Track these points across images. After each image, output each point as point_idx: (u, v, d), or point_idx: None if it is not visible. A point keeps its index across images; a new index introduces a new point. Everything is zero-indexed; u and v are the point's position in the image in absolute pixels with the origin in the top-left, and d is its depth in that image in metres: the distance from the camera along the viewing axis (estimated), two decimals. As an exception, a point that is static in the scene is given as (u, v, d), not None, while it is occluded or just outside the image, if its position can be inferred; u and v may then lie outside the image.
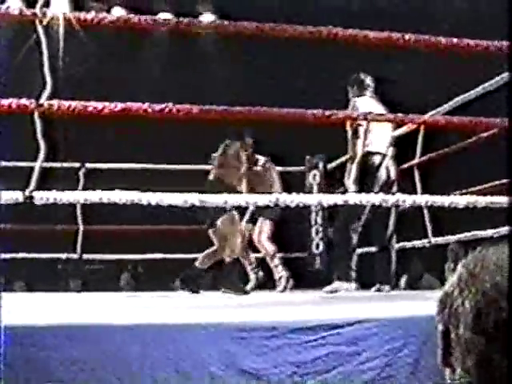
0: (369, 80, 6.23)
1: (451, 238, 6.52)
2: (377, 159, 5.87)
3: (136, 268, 11.13)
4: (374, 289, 5.88)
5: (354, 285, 5.70)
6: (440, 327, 1.33)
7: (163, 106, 3.19)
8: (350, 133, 5.89)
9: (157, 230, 8.69)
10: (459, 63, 3.70)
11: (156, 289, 7.94)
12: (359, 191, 5.24)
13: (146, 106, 3.16)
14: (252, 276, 7.41)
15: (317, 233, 8.36)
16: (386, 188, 5.79)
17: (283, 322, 2.66)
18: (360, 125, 5.77)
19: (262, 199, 3.04)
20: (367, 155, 5.86)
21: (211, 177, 6.69)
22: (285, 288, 7.13)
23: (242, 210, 6.94)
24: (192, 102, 3.36)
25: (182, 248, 8.27)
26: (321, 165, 8.34)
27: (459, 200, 3.37)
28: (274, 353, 2.57)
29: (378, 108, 5.89)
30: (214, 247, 6.85)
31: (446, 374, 1.33)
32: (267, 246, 7.41)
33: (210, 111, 3.25)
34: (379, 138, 5.90)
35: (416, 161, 6.70)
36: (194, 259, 8.20)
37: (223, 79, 11.80)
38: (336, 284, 5.67)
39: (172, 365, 2.48)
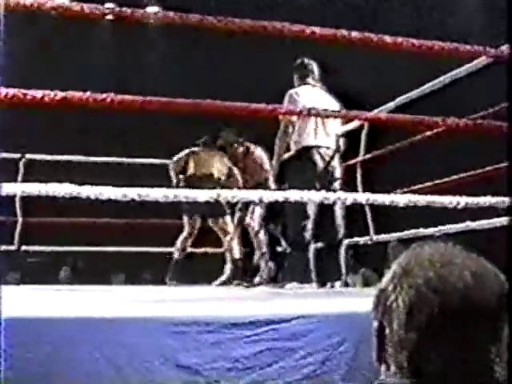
0: (313, 66, 6.09)
1: (392, 236, 6.57)
2: (316, 154, 5.77)
3: (76, 261, 11.02)
4: (327, 286, 5.84)
5: (314, 284, 5.71)
6: (375, 324, 1.35)
7: (104, 95, 3.16)
8: (281, 127, 5.77)
9: (99, 223, 8.61)
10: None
11: (96, 282, 7.86)
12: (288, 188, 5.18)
13: (86, 95, 3.12)
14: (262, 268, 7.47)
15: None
16: (330, 184, 5.72)
17: (220, 317, 2.66)
18: (291, 120, 5.70)
19: (203, 195, 3.02)
20: (304, 150, 5.77)
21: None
22: (263, 281, 7.19)
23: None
24: (134, 93, 3.34)
25: (122, 241, 8.26)
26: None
27: (400, 199, 3.40)
28: (210, 348, 2.57)
29: (321, 98, 5.80)
30: (184, 234, 7.03)
31: (381, 370, 1.34)
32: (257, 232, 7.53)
33: (152, 102, 3.22)
34: (319, 131, 5.79)
35: (359, 158, 6.74)
36: (137, 253, 8.23)
37: (165, 71, 11.75)
38: (296, 284, 5.66)
39: (106, 359, 2.46)
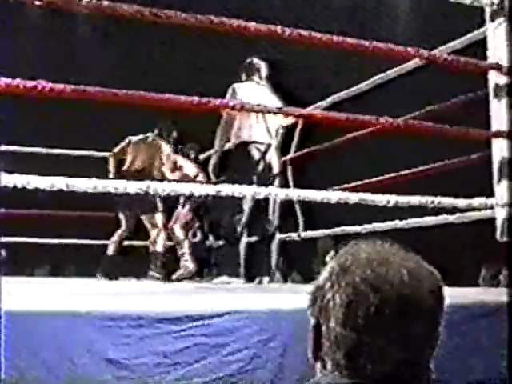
0: (260, 65, 6.17)
1: (320, 233, 6.63)
2: (254, 149, 5.81)
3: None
4: (256, 281, 5.85)
5: (242, 280, 5.72)
6: (311, 321, 1.34)
7: (34, 83, 3.08)
8: (223, 120, 5.84)
9: (25, 213, 8.47)
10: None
11: (19, 274, 7.72)
12: (225, 182, 5.21)
13: (16, 82, 3.04)
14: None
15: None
16: (268, 179, 5.74)
17: (150, 312, 2.63)
18: (232, 114, 5.73)
19: (133, 186, 2.98)
20: (242, 145, 5.81)
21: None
22: (181, 277, 7.19)
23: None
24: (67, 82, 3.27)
25: (46, 232, 8.14)
26: (192, 155, 8.31)
27: (331, 195, 3.42)
28: (139, 343, 2.54)
29: (263, 95, 5.85)
30: (119, 232, 7.00)
31: (316, 367, 1.34)
32: (177, 233, 7.60)
33: (84, 92, 3.15)
34: (259, 127, 5.84)
35: (290, 155, 6.78)
36: (63, 245, 8.12)
37: (100, 61, 11.62)
38: (225, 278, 5.68)
39: (31, 352, 2.41)
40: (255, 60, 6.17)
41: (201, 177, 7.60)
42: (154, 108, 3.25)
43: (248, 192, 3.33)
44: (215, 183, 5.68)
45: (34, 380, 2.40)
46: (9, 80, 3.05)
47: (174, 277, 7.27)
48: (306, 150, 6.85)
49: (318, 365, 1.34)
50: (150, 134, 7.52)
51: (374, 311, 1.24)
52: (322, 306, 1.32)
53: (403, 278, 1.26)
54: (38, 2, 3.33)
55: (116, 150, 7.50)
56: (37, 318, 2.51)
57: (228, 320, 2.66)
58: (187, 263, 7.44)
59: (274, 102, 5.83)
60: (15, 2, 3.49)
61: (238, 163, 5.81)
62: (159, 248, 7.23)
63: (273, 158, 5.93)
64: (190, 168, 7.78)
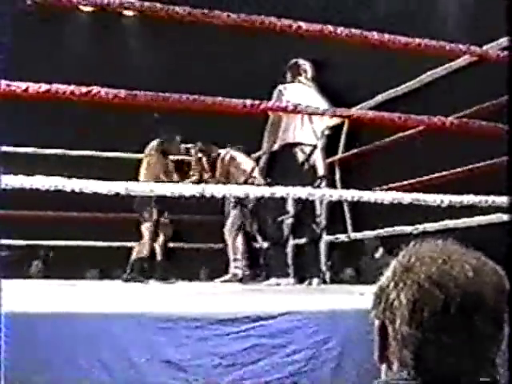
0: (306, 65, 6.16)
1: (370, 234, 6.62)
2: (299, 151, 5.81)
3: (48, 255, 10.94)
4: (306, 283, 5.81)
5: (291, 280, 5.74)
6: (376, 322, 1.36)
7: (89, 88, 3.14)
8: (269, 121, 5.85)
9: (71, 216, 8.58)
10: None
11: (68, 277, 7.82)
12: (273, 183, 5.23)
13: (71, 88, 3.10)
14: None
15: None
16: (313, 181, 5.72)
17: (207, 314, 2.67)
18: (279, 115, 5.72)
19: (189, 190, 3.03)
20: (286, 147, 5.81)
21: None
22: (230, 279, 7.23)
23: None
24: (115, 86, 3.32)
25: (96, 235, 8.24)
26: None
27: (385, 196, 3.43)
28: (197, 344, 2.58)
29: (310, 96, 5.84)
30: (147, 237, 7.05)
31: (382, 370, 1.35)
32: (226, 237, 7.60)
33: (136, 96, 3.21)
34: (305, 128, 5.84)
35: (338, 156, 6.79)
36: (110, 247, 8.21)
37: (146, 65, 11.73)
38: (273, 280, 5.72)
39: (93, 354, 2.47)
40: (301, 60, 6.16)
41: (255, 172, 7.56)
42: (205, 112, 3.29)
43: (302, 193, 3.35)
44: (266, 184, 5.70)
45: (94, 381, 2.46)
46: (63, 86, 3.11)
47: (218, 280, 7.28)
48: (354, 151, 6.84)
49: (384, 366, 1.35)
50: (153, 144, 7.56)
51: (439, 309, 1.25)
52: (386, 306, 1.33)
53: (468, 275, 1.26)
54: (86, 8, 3.40)
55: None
56: (97, 319, 2.56)
57: (285, 321, 2.69)
58: (236, 270, 7.44)
59: (321, 102, 5.81)
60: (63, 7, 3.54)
61: (283, 165, 5.82)
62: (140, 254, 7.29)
63: (318, 159, 5.92)
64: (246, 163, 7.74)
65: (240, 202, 7.19)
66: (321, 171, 5.93)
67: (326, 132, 6.12)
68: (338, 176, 6.75)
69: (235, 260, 7.45)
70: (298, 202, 5.61)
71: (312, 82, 6.12)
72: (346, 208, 6.56)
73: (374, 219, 6.51)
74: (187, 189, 3.13)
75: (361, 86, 8.59)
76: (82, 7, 9.52)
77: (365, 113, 3.81)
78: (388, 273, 1.36)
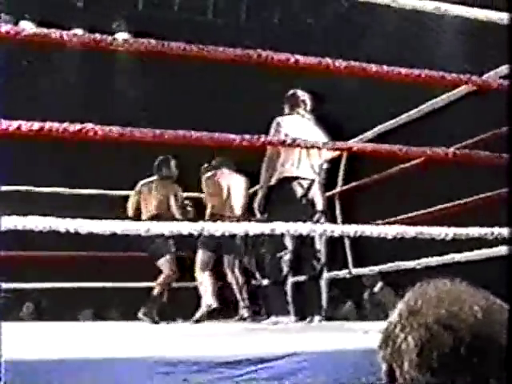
0: (304, 97, 6.16)
1: (372, 269, 6.61)
2: (297, 186, 5.82)
3: (40, 297, 10.90)
4: (307, 320, 5.79)
5: (292, 318, 5.71)
6: (383, 365, 1.35)
7: (81, 126, 3.14)
8: (267, 155, 5.84)
9: (63, 256, 8.56)
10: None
11: (62, 319, 7.79)
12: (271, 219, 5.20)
13: (63, 126, 3.10)
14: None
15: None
16: (311, 216, 5.75)
17: (208, 356, 2.65)
18: (277, 149, 5.72)
19: (187, 227, 3.03)
20: (284, 181, 5.83)
21: None
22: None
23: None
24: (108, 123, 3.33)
25: (90, 275, 8.21)
26: None
27: (387, 230, 3.43)
28: (199, 388, 2.56)
29: (309, 129, 5.85)
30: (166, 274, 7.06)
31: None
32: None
33: (132, 133, 3.22)
34: (302, 162, 5.86)
35: (338, 189, 6.80)
36: (104, 288, 8.18)
37: (138, 100, 11.78)
38: (274, 318, 5.68)
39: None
40: (299, 92, 6.16)
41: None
42: (201, 147, 3.30)
43: (303, 230, 3.35)
44: (262, 220, 5.70)
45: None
46: (55, 124, 3.11)
47: (193, 320, 7.21)
48: (353, 184, 6.86)
49: (393, 411, 1.35)
50: (154, 178, 7.64)
51: (448, 351, 1.24)
52: (393, 349, 1.32)
53: (477, 316, 1.26)
54: (76, 44, 3.41)
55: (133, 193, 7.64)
56: (93, 365, 2.54)
57: (289, 362, 2.66)
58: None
59: (319, 135, 5.83)
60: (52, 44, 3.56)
61: (281, 200, 5.82)
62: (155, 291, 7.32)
63: (316, 194, 5.92)
64: None
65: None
66: (320, 206, 5.93)
67: (325, 166, 6.13)
68: (338, 210, 6.75)
69: (205, 294, 7.34)
70: (297, 237, 5.61)
71: (310, 114, 6.13)
72: (346, 243, 6.56)
73: (374, 253, 6.52)
74: (186, 227, 3.13)
75: (357, 116, 8.65)
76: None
77: (365, 146, 3.83)
78: (394, 316, 1.36)
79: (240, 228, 3.28)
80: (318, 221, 5.78)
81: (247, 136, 3.24)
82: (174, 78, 11.08)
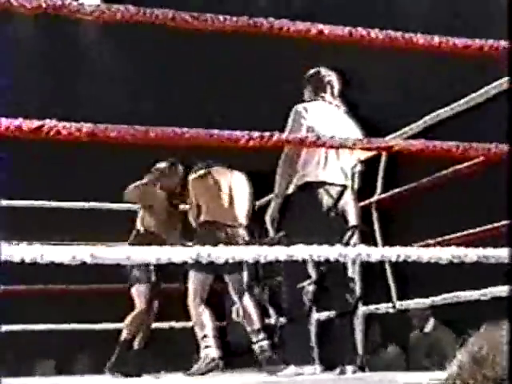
0: (331, 77, 6.05)
1: (423, 302, 6.56)
2: (324, 193, 5.73)
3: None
4: (337, 371, 5.71)
5: (317, 367, 5.61)
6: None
7: (40, 123, 3.12)
8: (284, 153, 5.74)
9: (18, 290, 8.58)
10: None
11: (13, 374, 7.81)
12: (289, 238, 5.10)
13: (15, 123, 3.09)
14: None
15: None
16: (343, 233, 5.70)
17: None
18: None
19: (182, 254, 3.01)
20: (306, 188, 5.75)
21: None
22: (203, 371, 7.06)
23: None
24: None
25: (51, 316, 8.23)
26: None
27: (442, 253, 3.39)
28: None
29: (339, 120, 5.82)
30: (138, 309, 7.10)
31: None
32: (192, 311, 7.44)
33: (105, 131, 3.20)
34: (330, 163, 5.78)
35: (375, 197, 6.74)
36: (71, 332, 8.18)
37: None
38: (293, 368, 5.60)
39: None
40: (323, 70, 6.09)
41: None
42: (203, 146, 3.29)
43: (330, 254, 3.32)
44: (277, 241, 5.57)
45: None
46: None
47: (188, 372, 7.18)
48: (396, 190, 6.80)
49: None
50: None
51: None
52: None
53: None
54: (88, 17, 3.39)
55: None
56: None
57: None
58: (207, 350, 7.30)
59: (352, 128, 5.76)
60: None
61: (301, 212, 5.74)
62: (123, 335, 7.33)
63: (349, 204, 5.86)
64: None
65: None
66: (352, 220, 5.84)
67: (359, 168, 6.01)
68: (376, 225, 6.68)
69: (204, 337, 7.27)
70: (323, 262, 5.52)
71: (340, 101, 6.04)
72: (388, 268, 6.51)
73: (424, 281, 6.49)
74: (177, 253, 3.11)
75: (389, 108, 8.66)
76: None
77: (410, 143, 3.79)
78: (453, 366, 1.37)
79: (248, 253, 3.25)
80: (349, 239, 5.68)
81: (256, 133, 3.21)
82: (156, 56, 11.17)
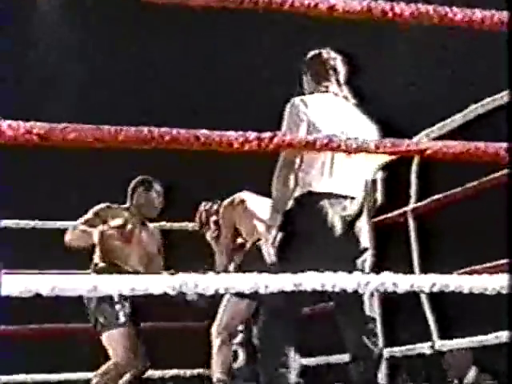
0: (338, 63, 5.87)
1: (470, 341, 6.52)
2: (329, 207, 5.59)
3: None
4: None
5: None
6: None
7: None
8: (281, 158, 5.62)
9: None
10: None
11: None
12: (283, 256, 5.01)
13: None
14: None
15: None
16: (355, 256, 5.61)
17: None
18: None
19: (160, 284, 2.98)
20: (310, 198, 5.61)
21: None
22: None
23: None
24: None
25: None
26: None
27: (487, 282, 3.36)
28: None
29: (350, 116, 5.70)
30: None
31: None
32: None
33: (56, 132, 3.16)
34: (340, 169, 5.64)
35: (410, 206, 6.70)
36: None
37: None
38: None
39: None
40: (326, 53, 5.92)
41: None
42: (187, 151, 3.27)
43: (348, 283, 3.27)
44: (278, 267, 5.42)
45: None
46: None
47: None
48: (435, 197, 6.77)
49: None
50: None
51: None
52: None
53: None
54: None
55: None
56: None
57: None
58: None
59: (365, 122, 5.64)
60: None
61: (302, 227, 5.65)
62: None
63: (361, 220, 5.74)
64: None
65: None
66: (365, 240, 5.75)
67: (379, 175, 5.93)
68: (412, 237, 6.63)
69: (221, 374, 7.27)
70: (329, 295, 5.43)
71: (346, 90, 5.89)
72: (425, 301, 6.46)
73: (465, 317, 6.48)
74: (157, 283, 3.08)
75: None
76: None
77: (446, 145, 3.75)
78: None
79: (244, 281, 3.20)
80: (363, 266, 5.57)
81: (253, 134, 3.18)
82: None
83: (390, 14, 3.24)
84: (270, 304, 5.65)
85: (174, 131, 3.14)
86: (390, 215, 6.59)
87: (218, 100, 9.27)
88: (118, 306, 7.28)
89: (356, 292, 4.70)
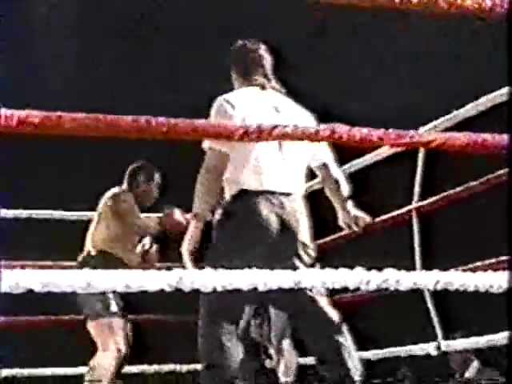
0: (263, 53, 5.70)
1: (476, 342, 6.51)
2: (265, 205, 5.44)
3: None
4: None
5: None
6: None
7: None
8: (207, 158, 5.47)
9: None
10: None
11: None
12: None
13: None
14: None
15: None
16: (297, 258, 5.45)
17: None
18: (223, 147, 5.31)
19: (155, 280, 2.95)
20: (244, 197, 5.46)
21: None
22: None
23: None
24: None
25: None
26: None
27: (492, 279, 3.33)
28: None
29: (281, 108, 5.56)
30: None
31: None
32: None
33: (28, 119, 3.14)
34: (277, 164, 5.48)
35: (413, 205, 6.69)
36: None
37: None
38: None
39: None
40: (250, 43, 5.75)
41: None
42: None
43: (347, 280, 3.24)
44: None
45: None
46: None
47: None
48: (443, 195, 6.75)
49: None
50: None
51: None
52: None
53: None
54: None
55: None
56: None
57: None
58: None
59: (301, 113, 5.59)
60: None
61: (237, 226, 5.50)
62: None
63: (300, 219, 5.58)
64: None
65: None
66: (303, 236, 5.60)
67: (326, 159, 5.80)
68: (416, 235, 6.60)
69: None
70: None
71: (274, 81, 5.74)
72: (429, 300, 6.44)
73: (466, 315, 6.47)
74: (152, 279, 3.05)
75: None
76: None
77: (453, 137, 3.72)
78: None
79: (247, 280, 3.17)
80: (303, 263, 5.47)
81: (253, 125, 3.15)
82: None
83: (398, 1, 3.21)
84: (206, 307, 5.53)
85: (172, 121, 3.13)
86: (394, 214, 6.50)
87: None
88: (110, 295, 7.23)
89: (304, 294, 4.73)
